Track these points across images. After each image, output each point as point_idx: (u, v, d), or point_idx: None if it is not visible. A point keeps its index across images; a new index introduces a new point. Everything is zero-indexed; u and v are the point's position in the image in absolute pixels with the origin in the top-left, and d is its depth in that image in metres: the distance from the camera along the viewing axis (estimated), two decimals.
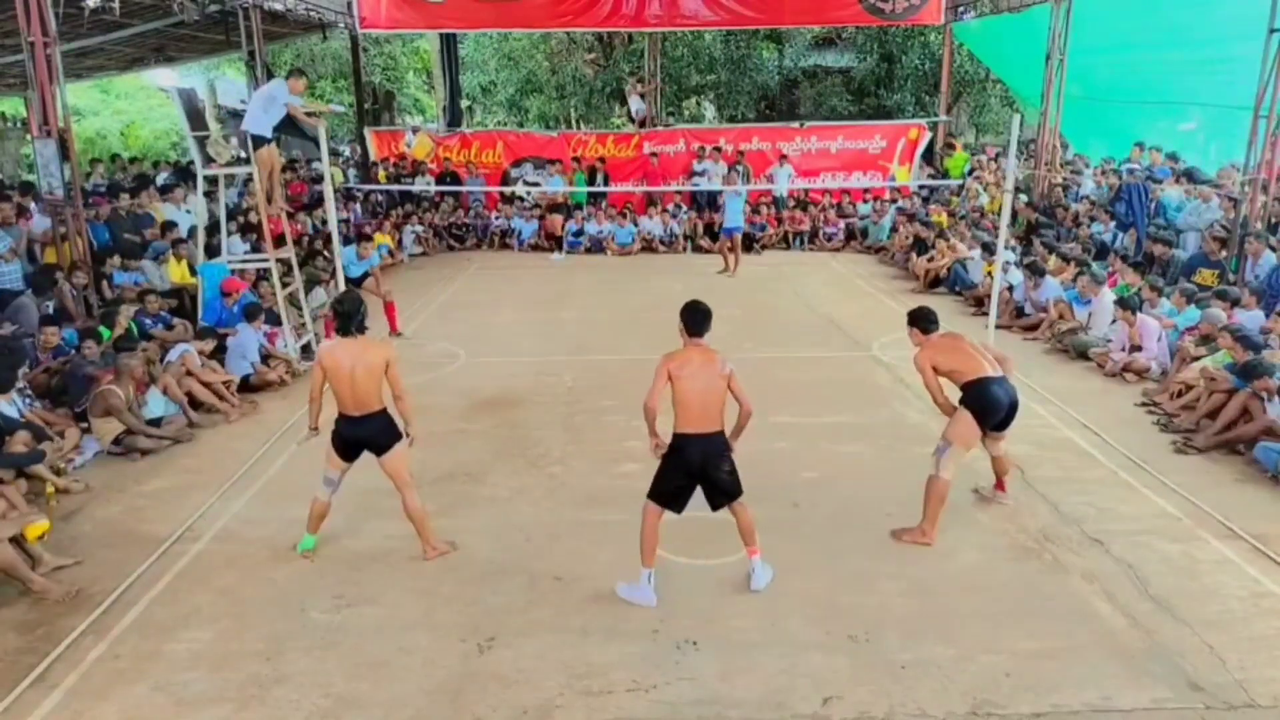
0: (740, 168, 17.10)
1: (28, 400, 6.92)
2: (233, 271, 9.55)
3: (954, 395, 5.64)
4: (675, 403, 4.69)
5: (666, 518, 4.85)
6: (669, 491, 4.78)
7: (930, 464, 5.51)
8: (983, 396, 5.41)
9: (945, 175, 17.60)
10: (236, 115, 11.61)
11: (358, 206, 16.24)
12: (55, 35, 8.66)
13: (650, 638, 4.56)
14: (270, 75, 13.64)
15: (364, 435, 5.16)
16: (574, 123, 24.24)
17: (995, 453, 5.89)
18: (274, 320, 9.38)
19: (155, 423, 7.35)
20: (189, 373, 7.83)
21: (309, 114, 9.20)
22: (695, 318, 4.82)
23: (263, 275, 9.97)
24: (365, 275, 10.52)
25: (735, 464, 4.81)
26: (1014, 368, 5.80)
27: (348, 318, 5.11)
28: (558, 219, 16.46)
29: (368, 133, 18.56)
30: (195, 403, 7.81)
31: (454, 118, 20.21)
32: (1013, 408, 5.54)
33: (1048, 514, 5.86)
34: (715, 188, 16.23)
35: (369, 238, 11.59)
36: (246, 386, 8.43)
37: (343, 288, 9.22)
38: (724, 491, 4.81)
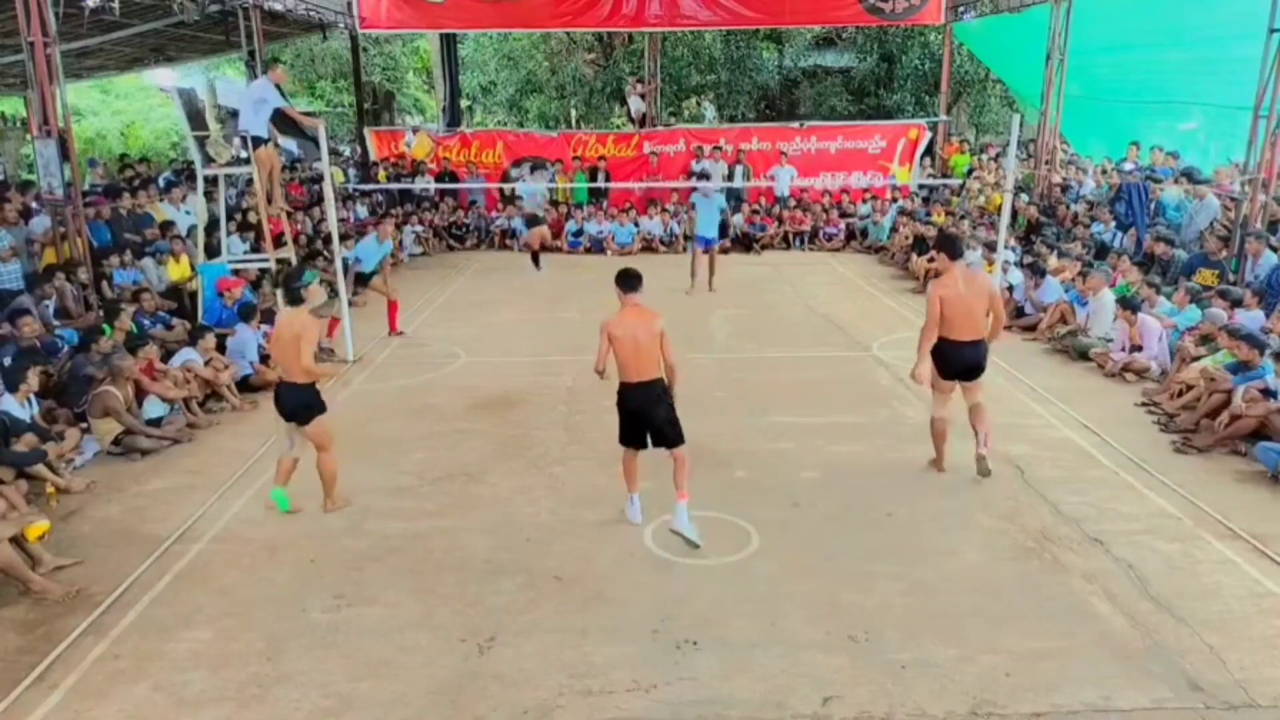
0: (740, 167, 17.11)
1: (36, 402, 6.91)
2: (233, 271, 9.56)
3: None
4: (616, 359, 5.41)
5: (670, 526, 4.85)
6: (627, 433, 5.61)
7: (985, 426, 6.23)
8: (944, 353, 6.13)
9: (949, 174, 17.60)
10: (237, 115, 11.62)
11: (358, 207, 16.23)
12: (55, 35, 8.65)
13: (650, 638, 4.56)
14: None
15: (286, 406, 5.72)
16: (574, 123, 24.23)
17: (970, 401, 6.32)
18: (274, 320, 9.37)
19: (155, 423, 7.35)
20: (189, 380, 7.83)
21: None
22: (626, 279, 5.56)
23: (264, 275, 9.98)
24: (375, 273, 10.49)
25: (675, 414, 5.49)
26: (1000, 328, 6.37)
27: (285, 285, 5.79)
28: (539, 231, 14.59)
29: (368, 133, 18.56)
30: (207, 394, 8.01)
31: (454, 118, 20.21)
32: (973, 369, 6.20)
33: (1048, 514, 5.86)
34: (714, 187, 16.17)
35: (387, 218, 11.71)
36: (246, 386, 8.43)
37: (335, 289, 9.23)
38: (663, 435, 5.47)
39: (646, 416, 5.49)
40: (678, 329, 10.48)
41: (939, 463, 6.52)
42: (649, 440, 5.56)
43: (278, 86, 9.13)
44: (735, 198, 17.12)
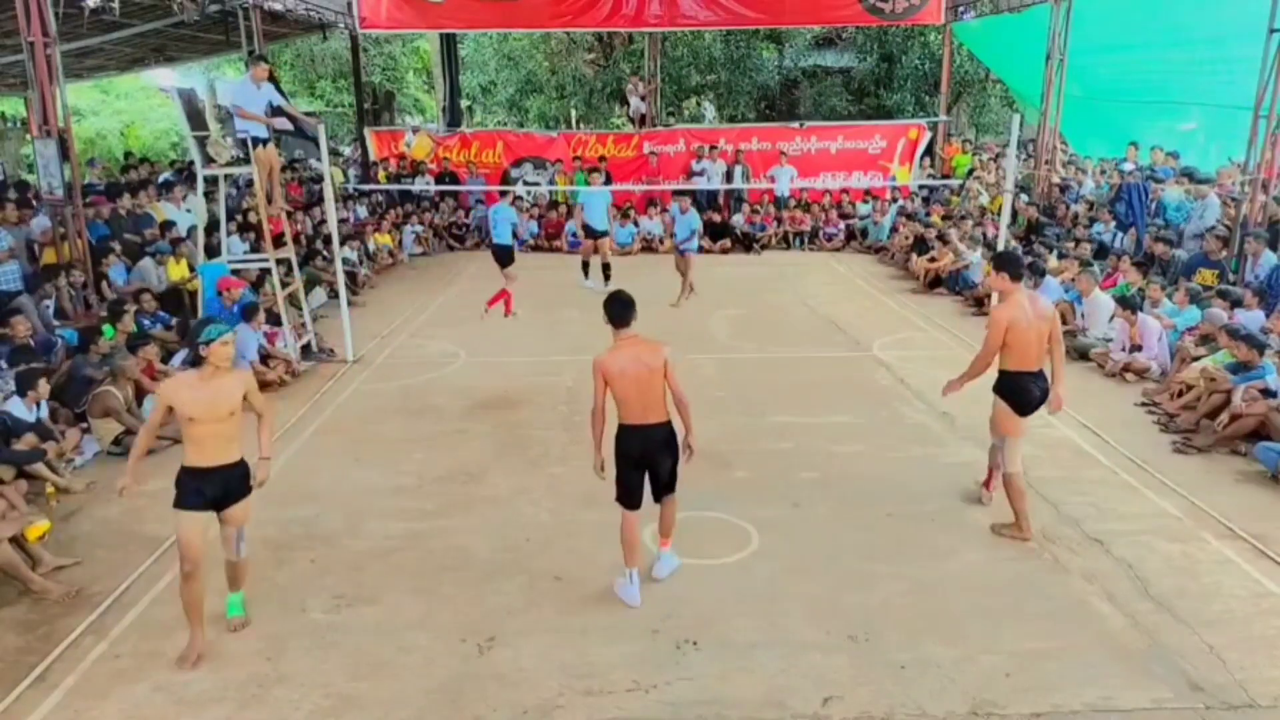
0: (739, 168, 17.10)
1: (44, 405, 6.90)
2: (233, 271, 9.56)
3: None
4: (615, 399, 4.70)
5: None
6: (628, 489, 4.82)
7: (999, 461, 5.55)
8: (1016, 388, 5.38)
9: (952, 173, 17.59)
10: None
11: (358, 208, 16.23)
12: (55, 35, 8.65)
13: (650, 638, 4.56)
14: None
15: (220, 491, 4.42)
16: (574, 123, 24.23)
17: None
18: (274, 320, 9.39)
19: None
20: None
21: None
22: (616, 308, 4.74)
23: (264, 275, 9.98)
24: (510, 249, 10.70)
25: (678, 459, 4.84)
26: (1059, 348, 5.56)
27: (194, 336, 4.34)
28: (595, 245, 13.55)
29: (368, 133, 18.56)
30: None
31: (454, 118, 20.21)
32: (1042, 399, 5.44)
33: (1048, 514, 5.86)
34: (713, 187, 16.16)
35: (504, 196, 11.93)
36: None
37: (335, 290, 9.20)
38: (662, 483, 4.88)
39: (653, 465, 4.77)
40: (678, 329, 10.56)
41: (1022, 528, 5.46)
42: (640, 493, 4.86)
43: (274, 84, 9.13)
44: (735, 198, 17.13)
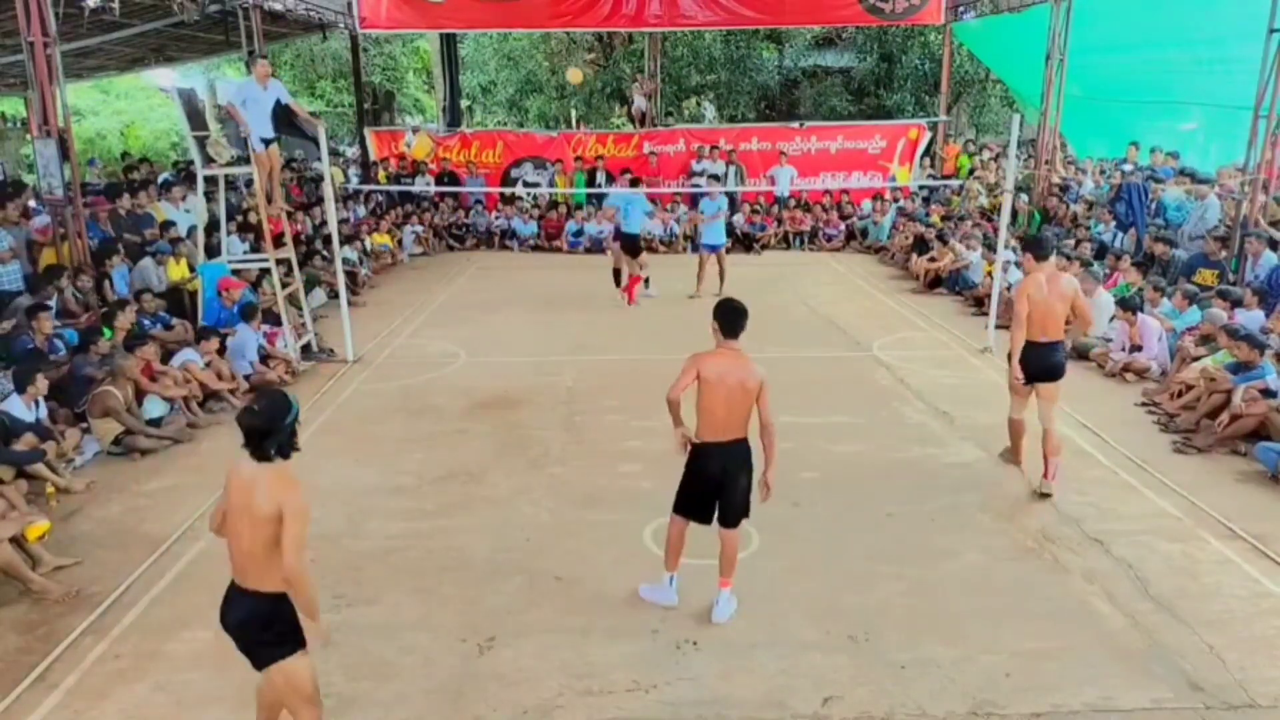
0: (733, 168, 17.06)
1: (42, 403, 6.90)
2: (233, 271, 9.56)
3: None
4: (698, 408, 4.44)
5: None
6: (692, 502, 4.61)
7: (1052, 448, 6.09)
8: (1025, 355, 6.02)
9: (955, 173, 17.58)
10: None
11: (358, 208, 16.23)
12: (55, 35, 8.65)
13: (650, 638, 4.56)
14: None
15: (236, 620, 3.40)
16: (574, 123, 24.24)
17: (1045, 412, 6.13)
18: (274, 320, 9.39)
19: (155, 423, 7.35)
20: (189, 379, 7.83)
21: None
22: (730, 318, 4.47)
23: (264, 275, 9.99)
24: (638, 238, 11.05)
25: (752, 481, 4.58)
26: (1087, 326, 6.51)
27: (261, 435, 3.25)
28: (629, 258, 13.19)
29: (368, 133, 18.56)
30: (207, 393, 8.00)
31: (454, 118, 20.21)
32: (1052, 370, 6.03)
33: (1048, 514, 5.86)
34: (729, 188, 16.13)
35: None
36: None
37: (334, 290, 9.19)
38: (735, 508, 4.58)
39: (724, 485, 4.51)
40: (678, 329, 10.56)
41: (1016, 457, 6.47)
42: (711, 512, 4.61)
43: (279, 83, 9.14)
44: (730, 199, 17.11)
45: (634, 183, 14.31)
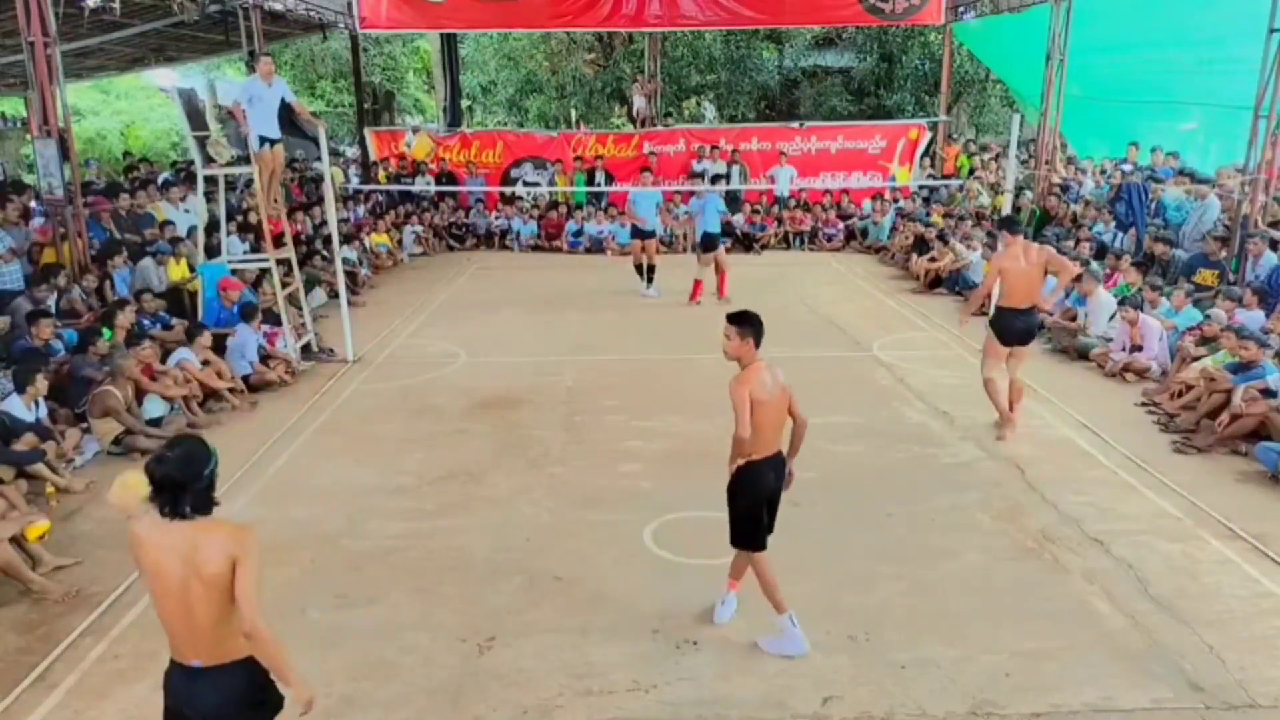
0: (736, 167, 17.06)
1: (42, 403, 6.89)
2: (232, 271, 9.56)
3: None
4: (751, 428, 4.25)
5: (670, 526, 4.78)
6: (757, 526, 4.39)
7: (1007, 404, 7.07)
8: (1002, 320, 6.99)
9: (956, 173, 17.58)
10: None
11: (358, 208, 16.23)
12: (55, 35, 8.65)
13: (650, 638, 4.56)
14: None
15: (213, 706, 2.94)
16: (574, 123, 24.25)
17: (1015, 373, 7.10)
18: (274, 320, 9.38)
19: (155, 423, 7.35)
20: (189, 379, 7.83)
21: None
22: (761, 329, 4.28)
23: (264, 275, 9.99)
24: (717, 237, 11.58)
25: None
26: (1069, 275, 7.29)
27: (176, 487, 2.80)
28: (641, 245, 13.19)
29: (368, 133, 18.55)
30: (207, 393, 8.00)
31: (454, 118, 20.20)
32: (1026, 334, 7.00)
33: (1048, 514, 5.86)
34: (733, 187, 16.13)
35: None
36: (246, 386, 8.43)
37: (334, 290, 9.16)
38: (773, 520, 4.48)
39: (773, 499, 4.44)
40: (678, 329, 10.57)
41: (1002, 414, 7.12)
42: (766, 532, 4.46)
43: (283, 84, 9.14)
44: (733, 198, 17.10)
45: (643, 174, 14.64)
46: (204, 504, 2.86)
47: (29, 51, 8.45)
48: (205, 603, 2.78)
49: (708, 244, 11.79)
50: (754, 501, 4.35)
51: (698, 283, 11.91)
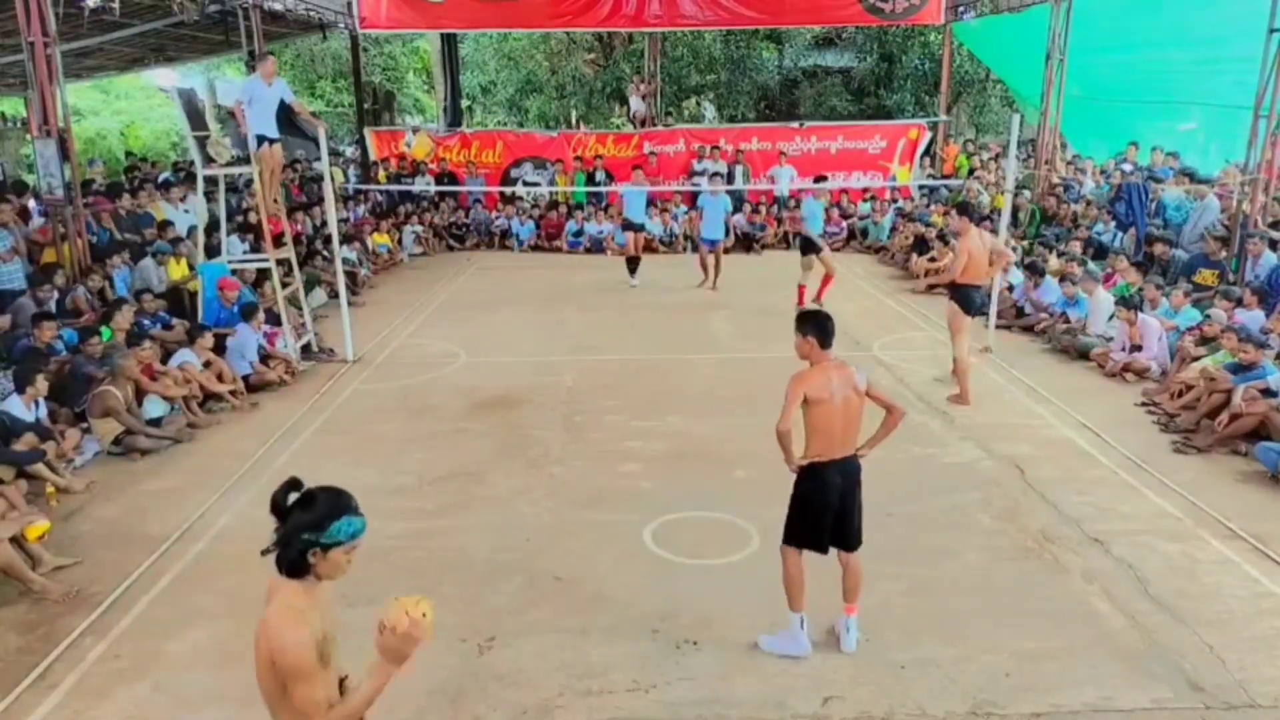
0: (740, 168, 17.07)
1: (42, 403, 6.89)
2: (232, 271, 9.56)
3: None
4: (811, 428, 4.23)
5: (670, 526, 4.78)
6: (809, 529, 4.30)
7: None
8: (969, 295, 7.87)
9: (955, 173, 17.57)
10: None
11: (358, 208, 16.23)
12: (55, 35, 8.64)
13: (650, 638, 4.56)
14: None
15: None
16: (574, 123, 24.24)
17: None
18: (274, 320, 9.39)
19: (155, 423, 7.35)
20: (189, 379, 7.83)
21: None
22: (827, 328, 4.21)
23: (263, 275, 9.99)
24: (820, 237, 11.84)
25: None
26: (1007, 260, 8.75)
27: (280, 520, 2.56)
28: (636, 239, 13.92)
29: (368, 133, 18.56)
30: (207, 394, 8.00)
31: (454, 118, 20.20)
32: (982, 305, 8.40)
33: (1048, 514, 5.86)
34: (738, 187, 16.17)
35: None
36: (246, 386, 8.43)
37: (334, 290, 9.16)
38: (854, 525, 4.37)
39: (848, 505, 4.32)
40: (679, 329, 10.57)
41: (965, 396, 7.81)
42: (827, 541, 4.36)
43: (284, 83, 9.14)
44: (735, 198, 17.10)
45: (635, 172, 14.91)
46: (299, 563, 2.60)
47: (29, 51, 8.45)
48: (266, 692, 2.42)
49: (807, 247, 11.88)
50: (813, 503, 4.28)
51: (826, 279, 11.88)
